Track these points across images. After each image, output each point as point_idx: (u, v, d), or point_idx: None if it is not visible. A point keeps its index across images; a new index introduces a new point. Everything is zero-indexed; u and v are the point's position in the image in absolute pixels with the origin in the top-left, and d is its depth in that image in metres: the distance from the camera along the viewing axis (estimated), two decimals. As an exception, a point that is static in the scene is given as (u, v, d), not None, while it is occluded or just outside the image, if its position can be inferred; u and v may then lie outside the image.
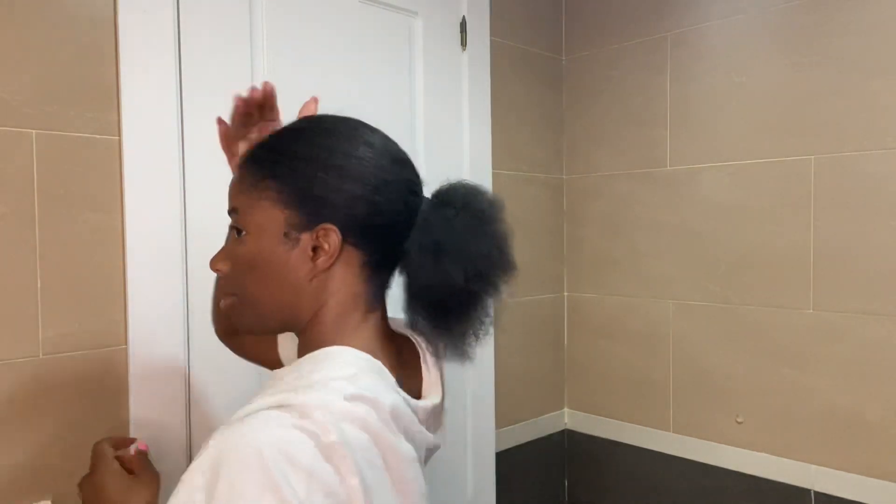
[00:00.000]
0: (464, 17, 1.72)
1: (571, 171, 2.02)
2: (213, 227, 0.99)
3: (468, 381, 1.74)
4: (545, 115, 1.97)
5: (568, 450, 2.03)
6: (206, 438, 0.60)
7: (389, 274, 0.74)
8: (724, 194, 1.68)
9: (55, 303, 1.09)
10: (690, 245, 1.75)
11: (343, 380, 0.63)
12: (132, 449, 0.81)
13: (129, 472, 0.79)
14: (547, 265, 1.98)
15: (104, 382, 1.14)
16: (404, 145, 0.76)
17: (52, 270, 1.09)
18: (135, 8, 1.15)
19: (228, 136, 0.85)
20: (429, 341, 0.76)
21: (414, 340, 0.79)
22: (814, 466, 1.54)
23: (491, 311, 0.74)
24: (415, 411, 0.70)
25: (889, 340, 1.44)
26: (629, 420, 1.88)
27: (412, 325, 0.73)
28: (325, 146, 0.69)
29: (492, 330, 0.74)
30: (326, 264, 0.68)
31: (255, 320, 0.72)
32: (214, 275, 0.86)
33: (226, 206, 0.73)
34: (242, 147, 0.84)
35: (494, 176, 1.80)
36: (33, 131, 1.07)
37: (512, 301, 1.86)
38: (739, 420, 1.66)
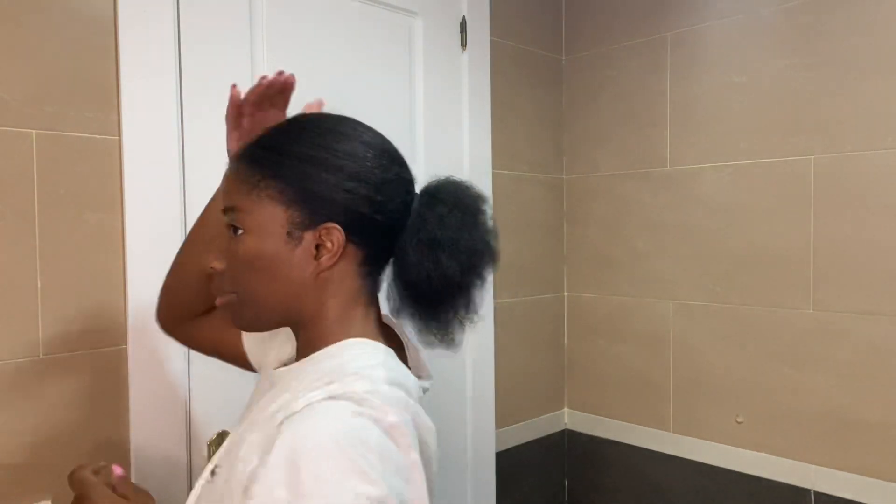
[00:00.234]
0: (464, 17, 1.72)
1: (571, 171, 2.02)
2: (213, 227, 0.99)
3: (468, 381, 1.74)
4: (545, 115, 1.97)
5: (568, 450, 2.03)
6: (247, 447, 0.63)
7: (384, 269, 0.76)
8: (724, 194, 1.68)
9: (55, 303, 1.09)
10: (690, 245, 1.75)
11: (378, 367, 0.67)
12: (115, 473, 0.79)
13: (122, 496, 0.77)
14: (547, 265, 1.98)
15: (104, 382, 1.14)
16: (404, 145, 0.77)
17: (52, 270, 1.09)
18: (135, 8, 1.16)
19: (240, 105, 0.85)
20: (416, 329, 0.78)
21: (394, 328, 0.81)
22: (814, 466, 1.54)
23: (476, 300, 0.77)
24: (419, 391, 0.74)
25: (889, 340, 1.44)
26: (629, 420, 1.88)
27: (397, 313, 0.77)
28: (327, 146, 0.70)
29: (476, 318, 0.77)
30: (330, 262, 0.70)
31: (254, 318, 0.73)
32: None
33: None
34: (245, 135, 0.83)
35: (494, 176, 1.80)
36: (33, 131, 1.07)
37: (512, 301, 1.86)
38: (739, 420, 1.66)
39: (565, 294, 2.04)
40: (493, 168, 1.79)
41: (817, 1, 1.52)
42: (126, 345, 1.15)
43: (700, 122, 1.72)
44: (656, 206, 1.81)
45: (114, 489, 0.76)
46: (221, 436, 1.25)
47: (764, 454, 1.62)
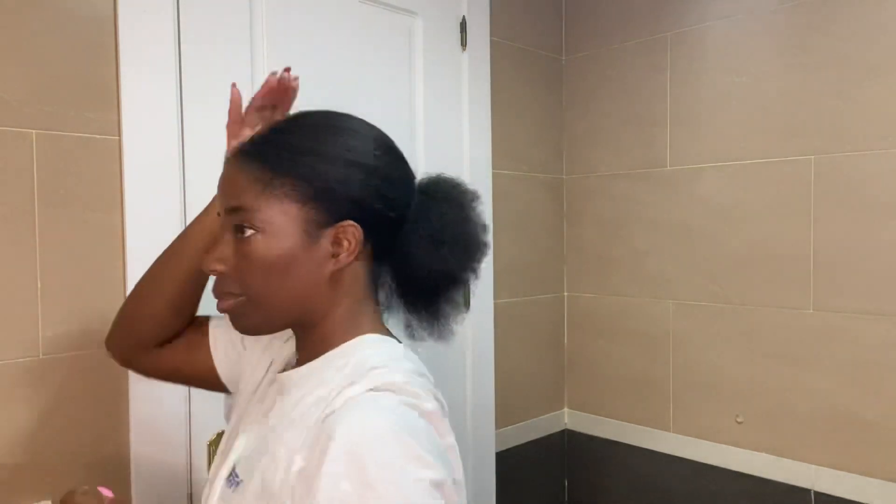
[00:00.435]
0: (464, 17, 1.72)
1: (571, 171, 2.02)
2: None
3: (468, 381, 1.74)
4: (545, 115, 1.97)
5: (568, 450, 2.03)
6: (295, 448, 0.63)
7: (385, 264, 0.77)
8: (724, 194, 1.68)
9: (55, 303, 1.09)
10: (690, 245, 1.75)
11: (402, 360, 0.69)
12: (107, 496, 0.79)
13: None
14: (547, 265, 1.98)
15: (104, 382, 1.14)
16: (404, 145, 0.77)
17: (52, 270, 1.09)
18: (135, 8, 1.16)
19: (241, 107, 0.84)
20: (410, 323, 0.80)
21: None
22: (814, 466, 1.54)
23: (469, 293, 0.80)
24: None
25: (889, 340, 1.44)
26: (629, 420, 1.88)
27: (388, 308, 0.78)
28: (341, 143, 0.70)
29: (466, 310, 0.80)
30: (348, 260, 0.69)
31: (263, 320, 0.71)
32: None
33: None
34: (246, 132, 0.82)
35: (494, 176, 1.80)
36: (33, 131, 1.07)
37: (512, 301, 1.86)
38: (739, 420, 1.66)
39: (565, 294, 2.04)
40: (493, 168, 1.79)
41: (817, 1, 1.52)
42: (126, 345, 1.15)
43: (700, 122, 1.72)
44: (656, 206, 1.81)
45: None
46: (221, 436, 1.24)
47: (764, 454, 1.62)
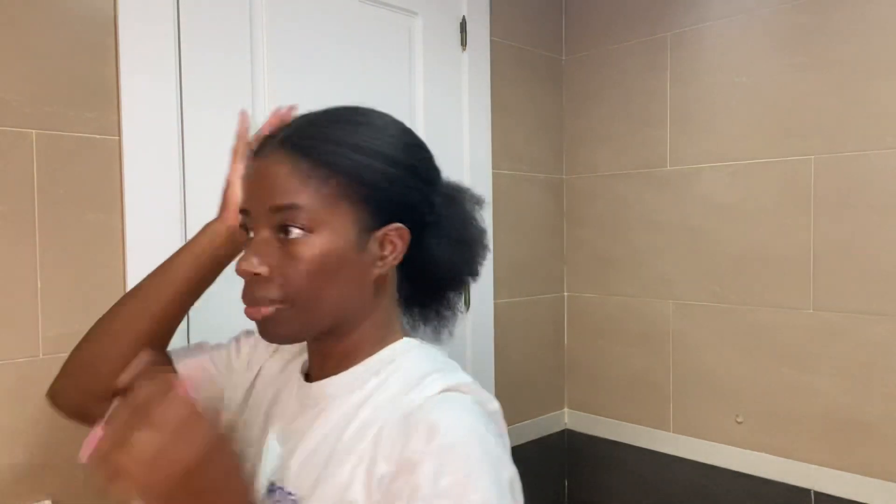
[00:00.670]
0: (464, 17, 1.72)
1: (571, 171, 2.02)
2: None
3: (468, 381, 1.74)
4: (545, 115, 1.97)
5: (568, 450, 2.03)
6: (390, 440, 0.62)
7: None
8: (724, 194, 1.68)
9: (55, 303, 1.09)
10: (690, 245, 1.75)
11: (449, 362, 0.70)
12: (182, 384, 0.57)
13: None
14: (547, 265, 1.98)
15: (104, 382, 1.14)
16: (404, 145, 0.77)
17: (52, 270, 1.09)
18: (135, 8, 1.15)
19: (248, 137, 0.82)
20: (416, 322, 0.80)
21: None
22: (814, 466, 1.54)
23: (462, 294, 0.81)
24: None
25: (889, 340, 1.44)
26: (629, 420, 1.88)
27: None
28: (393, 143, 0.68)
29: (465, 310, 0.82)
30: (394, 263, 0.68)
31: (301, 327, 0.67)
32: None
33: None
34: (236, 170, 0.80)
35: (494, 176, 1.80)
36: (33, 131, 1.07)
37: (512, 301, 1.86)
38: (739, 420, 1.66)
39: (565, 294, 2.04)
40: (493, 168, 1.79)
41: (817, 1, 1.52)
42: (126, 345, 1.15)
43: (700, 122, 1.72)
44: (656, 206, 1.81)
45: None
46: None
47: (764, 454, 1.62)
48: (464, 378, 0.66)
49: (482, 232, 0.78)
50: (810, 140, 1.54)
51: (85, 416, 0.78)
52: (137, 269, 1.16)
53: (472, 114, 1.74)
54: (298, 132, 0.67)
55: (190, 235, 1.22)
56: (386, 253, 0.67)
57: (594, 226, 1.96)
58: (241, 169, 0.79)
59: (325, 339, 0.70)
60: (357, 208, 0.65)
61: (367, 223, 0.66)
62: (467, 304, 1.70)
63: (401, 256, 0.68)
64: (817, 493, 1.53)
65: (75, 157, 1.11)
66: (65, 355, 0.80)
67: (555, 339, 2.01)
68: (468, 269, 0.76)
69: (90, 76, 1.12)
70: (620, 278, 1.90)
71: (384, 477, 0.59)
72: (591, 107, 1.96)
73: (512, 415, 1.87)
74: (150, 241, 1.17)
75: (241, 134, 0.83)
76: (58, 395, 0.81)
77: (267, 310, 0.64)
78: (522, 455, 1.88)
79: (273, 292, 0.64)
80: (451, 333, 0.79)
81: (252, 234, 0.67)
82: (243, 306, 0.66)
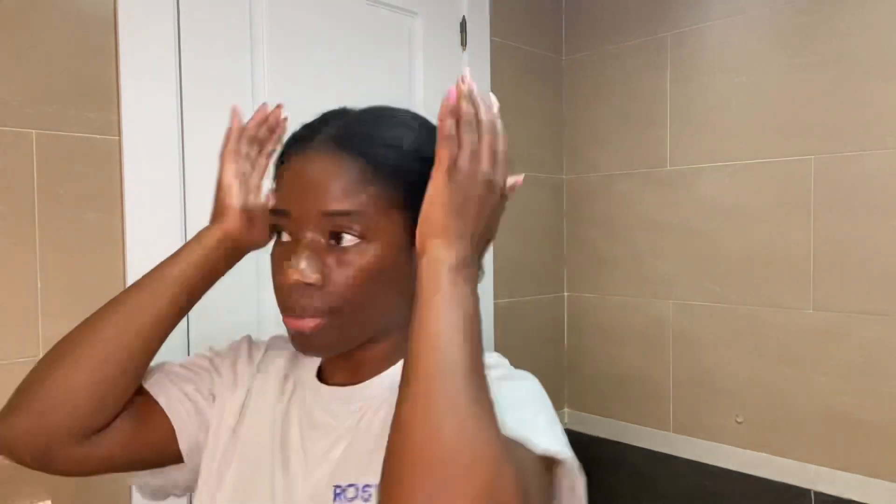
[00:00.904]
0: (464, 17, 1.72)
1: (571, 171, 2.02)
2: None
3: (468, 381, 1.74)
4: (545, 115, 1.97)
5: (568, 450, 2.02)
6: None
7: None
8: (724, 194, 1.68)
9: (55, 303, 1.09)
10: (690, 245, 1.75)
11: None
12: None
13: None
14: (547, 265, 1.98)
15: (104, 382, 1.13)
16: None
17: (52, 270, 1.09)
18: (135, 8, 1.16)
19: (239, 136, 0.74)
20: None
21: None
22: (814, 466, 1.54)
23: None
24: None
25: (889, 340, 1.44)
26: (629, 420, 1.88)
27: None
28: (432, 145, 0.63)
29: None
30: None
31: (345, 339, 0.63)
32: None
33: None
34: (241, 163, 0.73)
35: (494, 176, 1.79)
36: (33, 131, 1.07)
37: (512, 301, 1.86)
38: (739, 420, 1.66)
39: (565, 294, 2.04)
40: (493, 168, 1.79)
41: (817, 1, 1.52)
42: (126, 345, 1.15)
43: (700, 122, 1.72)
44: (656, 206, 1.81)
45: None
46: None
47: (764, 454, 1.62)
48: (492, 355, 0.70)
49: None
50: (810, 140, 1.54)
51: (49, 463, 0.64)
52: (137, 269, 1.15)
53: (472, 114, 1.73)
54: (348, 130, 0.63)
55: (190, 235, 1.22)
56: None
57: (594, 226, 1.96)
58: (233, 169, 0.72)
59: (361, 347, 0.66)
60: (406, 214, 0.62)
61: (413, 229, 0.60)
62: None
63: None
64: (817, 493, 1.53)
65: (75, 157, 1.11)
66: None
67: (555, 339, 2.01)
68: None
69: (90, 76, 1.12)
70: (620, 278, 1.90)
71: None
72: (591, 107, 1.96)
73: (512, 415, 1.86)
74: (150, 241, 1.17)
75: (232, 133, 0.75)
76: (13, 439, 0.63)
77: (315, 321, 0.60)
78: (522, 455, 1.89)
79: (322, 302, 0.60)
80: None
81: (285, 237, 0.63)
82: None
